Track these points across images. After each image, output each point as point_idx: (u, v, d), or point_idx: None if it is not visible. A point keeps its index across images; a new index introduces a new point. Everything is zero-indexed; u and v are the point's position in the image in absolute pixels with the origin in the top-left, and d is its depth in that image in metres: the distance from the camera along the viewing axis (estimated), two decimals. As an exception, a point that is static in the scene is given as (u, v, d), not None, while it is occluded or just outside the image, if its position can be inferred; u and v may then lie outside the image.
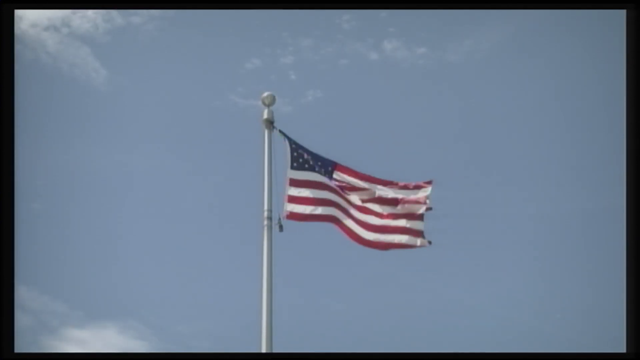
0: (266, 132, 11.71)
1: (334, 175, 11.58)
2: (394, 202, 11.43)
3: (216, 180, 25.80)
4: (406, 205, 11.41)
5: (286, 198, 11.31)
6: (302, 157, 11.54)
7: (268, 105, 11.89)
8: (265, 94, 11.94)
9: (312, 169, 11.50)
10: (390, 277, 22.44)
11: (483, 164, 25.77)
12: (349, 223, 11.41)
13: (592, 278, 22.34)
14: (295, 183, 11.38)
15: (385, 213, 11.43)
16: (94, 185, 25.51)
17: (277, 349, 10.19)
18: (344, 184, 11.52)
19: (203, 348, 21.94)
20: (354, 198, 11.47)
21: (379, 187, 11.54)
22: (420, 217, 11.39)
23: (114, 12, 25.59)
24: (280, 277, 10.82)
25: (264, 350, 10.09)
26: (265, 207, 11.09)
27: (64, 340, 23.41)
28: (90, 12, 25.50)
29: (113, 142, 25.80)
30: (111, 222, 25.05)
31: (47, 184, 25.04)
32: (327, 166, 11.62)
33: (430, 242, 11.37)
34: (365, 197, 11.47)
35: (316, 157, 11.64)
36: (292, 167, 11.45)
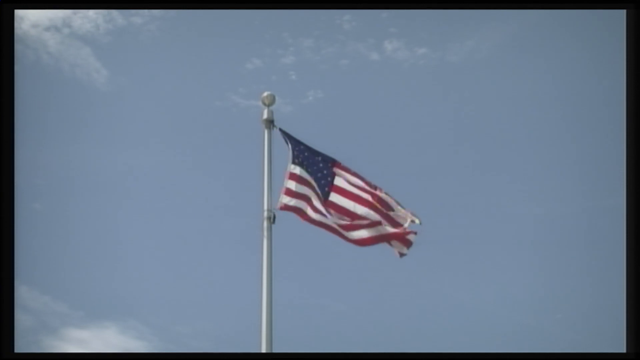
0: (266, 132, 11.73)
1: (331, 176, 11.58)
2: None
3: (217, 181, 25.85)
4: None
5: (283, 190, 11.28)
6: (302, 155, 11.56)
7: (268, 105, 11.89)
8: (265, 94, 11.94)
9: (309, 172, 11.50)
10: (390, 277, 22.45)
11: (483, 165, 25.81)
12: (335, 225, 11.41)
13: (592, 278, 22.38)
14: (294, 177, 11.37)
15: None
16: (94, 185, 25.55)
17: (277, 349, 10.20)
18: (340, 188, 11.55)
19: (203, 348, 21.98)
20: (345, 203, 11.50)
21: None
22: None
23: (115, 13, 25.64)
24: (280, 277, 10.84)
25: (263, 350, 10.09)
26: (265, 207, 11.10)
27: (65, 340, 23.44)
28: (91, 13, 25.55)
29: (114, 142, 25.84)
30: (111, 222, 25.09)
31: (47, 184, 25.10)
32: (326, 163, 11.62)
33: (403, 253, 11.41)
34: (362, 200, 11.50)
35: (315, 155, 11.64)
36: (294, 162, 11.45)
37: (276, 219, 11.04)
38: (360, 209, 11.39)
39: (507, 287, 22.99)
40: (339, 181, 11.58)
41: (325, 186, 11.55)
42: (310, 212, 11.30)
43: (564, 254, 23.29)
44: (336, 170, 11.63)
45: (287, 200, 11.26)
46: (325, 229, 11.33)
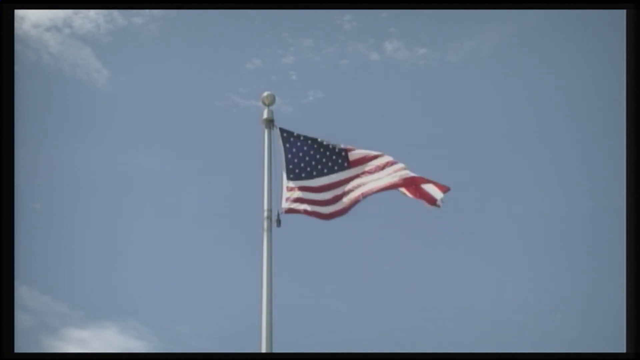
0: (266, 132, 11.73)
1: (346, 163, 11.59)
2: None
3: (217, 181, 25.85)
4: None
5: (284, 199, 11.28)
6: (299, 166, 11.51)
7: (268, 105, 11.90)
8: (265, 94, 11.95)
9: (309, 175, 11.46)
10: (390, 277, 22.48)
11: (483, 165, 25.80)
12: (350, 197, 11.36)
13: (592, 278, 22.37)
14: (291, 189, 11.35)
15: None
16: (94, 185, 25.56)
17: (277, 349, 10.20)
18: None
19: (203, 348, 21.99)
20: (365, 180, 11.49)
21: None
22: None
23: (115, 13, 25.66)
24: (280, 277, 10.84)
25: (263, 350, 10.10)
26: (265, 207, 11.10)
27: (65, 340, 23.43)
28: (92, 13, 25.57)
29: (114, 142, 25.85)
30: (111, 222, 25.10)
31: (47, 184, 25.10)
32: (339, 155, 11.62)
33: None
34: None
35: (324, 148, 11.63)
36: (289, 178, 11.42)
37: (281, 222, 11.05)
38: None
39: (507, 287, 23.00)
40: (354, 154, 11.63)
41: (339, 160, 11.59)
42: (315, 208, 11.28)
43: (564, 254, 23.31)
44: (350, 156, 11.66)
45: (288, 205, 11.23)
46: (337, 215, 11.30)
